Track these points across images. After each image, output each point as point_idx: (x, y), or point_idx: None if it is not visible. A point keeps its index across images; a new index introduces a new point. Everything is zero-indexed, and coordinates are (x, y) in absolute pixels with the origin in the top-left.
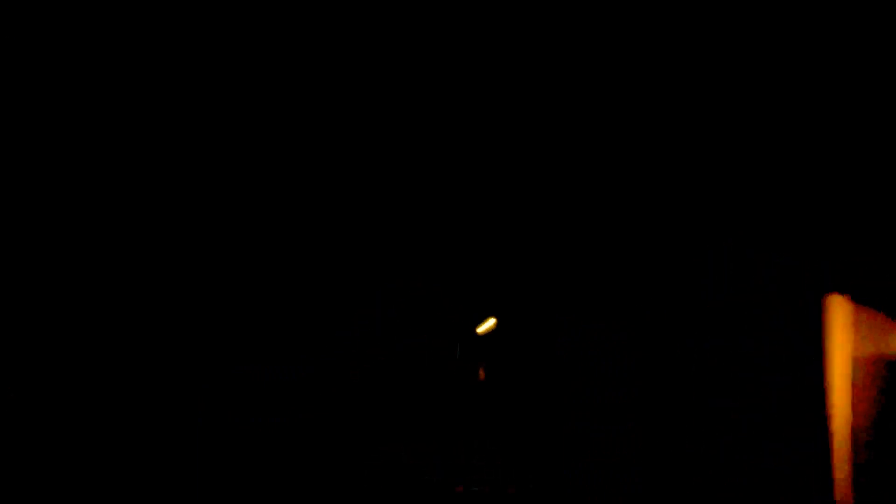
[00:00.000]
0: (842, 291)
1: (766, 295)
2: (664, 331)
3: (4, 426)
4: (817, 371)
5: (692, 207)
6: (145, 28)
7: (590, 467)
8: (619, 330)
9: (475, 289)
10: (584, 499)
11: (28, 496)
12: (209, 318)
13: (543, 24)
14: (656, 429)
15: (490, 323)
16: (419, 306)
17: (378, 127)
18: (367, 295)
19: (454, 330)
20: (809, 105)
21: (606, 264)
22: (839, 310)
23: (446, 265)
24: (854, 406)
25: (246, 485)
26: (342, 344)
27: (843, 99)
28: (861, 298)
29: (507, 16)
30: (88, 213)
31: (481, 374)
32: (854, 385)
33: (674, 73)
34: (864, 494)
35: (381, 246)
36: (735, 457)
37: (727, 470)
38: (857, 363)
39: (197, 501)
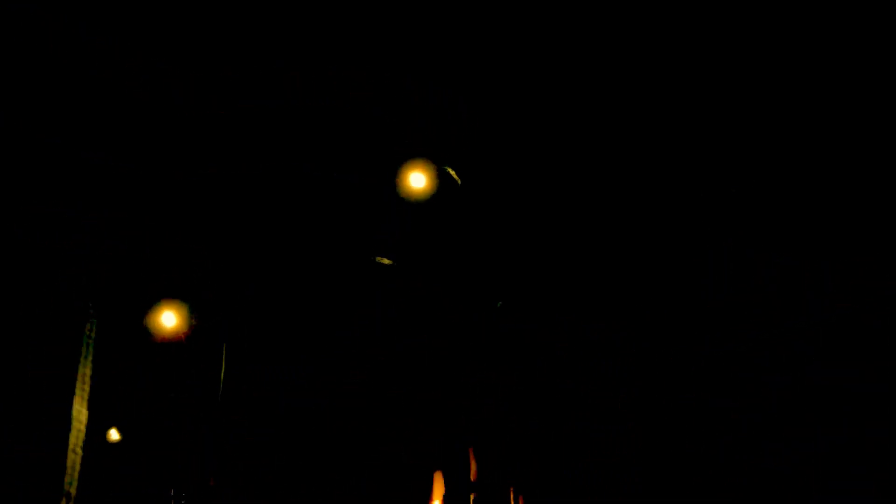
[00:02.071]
0: None
1: (766, 295)
2: (664, 331)
3: None
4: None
5: (692, 208)
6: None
7: (590, 467)
8: (619, 330)
9: (476, 289)
10: (584, 499)
11: None
12: (210, 318)
13: (549, 26)
14: (656, 429)
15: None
16: (420, 306)
17: (378, 126)
18: (367, 295)
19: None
20: (807, 107)
21: (606, 264)
22: None
23: (447, 265)
24: None
25: (247, 483)
26: (342, 344)
27: (841, 100)
28: None
29: (513, 17)
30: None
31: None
32: None
33: (674, 75)
34: None
35: (381, 246)
36: (735, 457)
37: (727, 470)
38: None
39: (199, 500)
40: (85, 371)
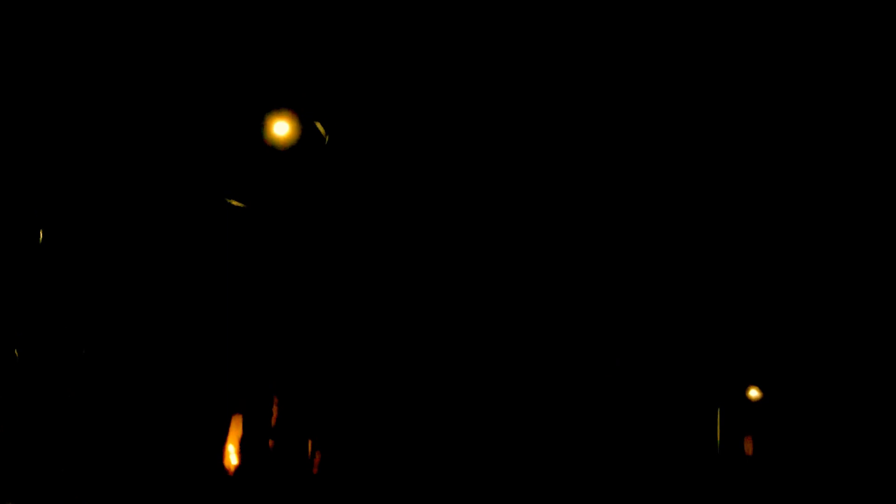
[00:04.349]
0: None
1: (766, 294)
2: (664, 331)
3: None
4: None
5: (692, 208)
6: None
7: (590, 467)
8: (619, 330)
9: (476, 288)
10: (584, 499)
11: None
12: (210, 318)
13: (548, 24)
14: (656, 429)
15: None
16: (418, 306)
17: (373, 125)
18: (366, 294)
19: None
20: (807, 107)
21: (605, 264)
22: None
23: (446, 264)
24: None
25: (248, 482)
26: (342, 343)
27: (841, 101)
28: None
29: (512, 17)
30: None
31: None
32: None
33: (674, 74)
34: None
35: (379, 246)
36: (736, 457)
37: (727, 470)
38: None
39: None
40: None
